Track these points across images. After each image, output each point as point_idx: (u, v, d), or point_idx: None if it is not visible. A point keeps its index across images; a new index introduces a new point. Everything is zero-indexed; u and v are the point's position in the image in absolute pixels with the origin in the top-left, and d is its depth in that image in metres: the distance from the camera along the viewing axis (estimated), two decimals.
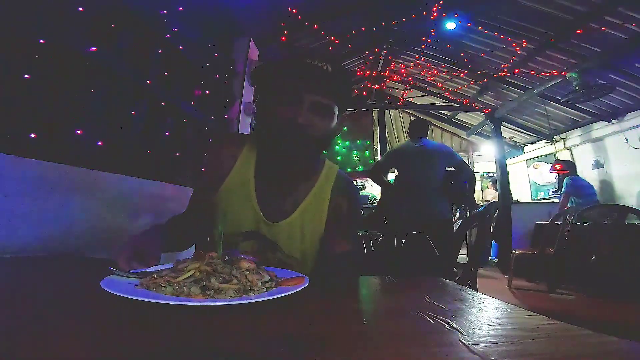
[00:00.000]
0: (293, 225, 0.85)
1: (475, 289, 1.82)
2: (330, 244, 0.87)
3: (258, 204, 0.85)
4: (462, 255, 3.63)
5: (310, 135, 0.77)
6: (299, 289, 0.54)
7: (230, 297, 0.50)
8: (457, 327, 0.42)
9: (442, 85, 5.54)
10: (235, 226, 0.83)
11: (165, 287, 0.51)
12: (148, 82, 1.87)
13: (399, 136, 7.87)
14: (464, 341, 0.37)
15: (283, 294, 0.50)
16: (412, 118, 5.97)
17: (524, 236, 4.63)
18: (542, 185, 6.34)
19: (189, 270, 0.54)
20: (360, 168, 5.36)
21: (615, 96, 4.08)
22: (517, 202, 5.41)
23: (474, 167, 7.53)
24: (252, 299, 0.49)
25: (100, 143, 1.52)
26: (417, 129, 2.84)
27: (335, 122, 0.83)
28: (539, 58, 4.08)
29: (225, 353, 0.34)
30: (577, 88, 3.63)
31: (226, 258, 0.60)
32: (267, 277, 0.58)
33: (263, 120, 0.83)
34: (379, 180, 2.98)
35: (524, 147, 6.66)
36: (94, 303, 0.50)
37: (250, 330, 0.41)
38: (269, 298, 0.49)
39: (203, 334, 0.39)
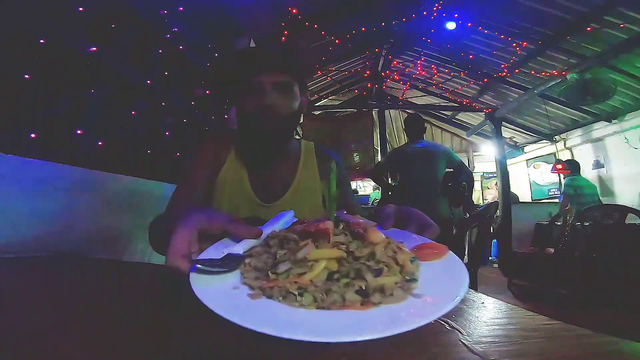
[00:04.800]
0: (290, 204, 0.89)
1: (476, 289, 1.82)
2: (348, 207, 0.88)
3: (253, 191, 0.88)
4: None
5: (279, 114, 0.81)
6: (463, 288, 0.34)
7: (395, 301, 0.33)
8: (457, 327, 0.42)
9: (442, 85, 5.54)
10: (233, 213, 0.86)
11: (302, 296, 0.33)
12: (148, 82, 1.87)
13: (399, 136, 7.86)
14: (464, 341, 0.37)
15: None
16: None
17: (524, 236, 4.62)
18: (543, 185, 6.34)
19: (320, 261, 0.36)
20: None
21: (615, 96, 4.09)
22: (517, 202, 5.41)
23: (474, 167, 7.52)
24: (441, 307, 0.31)
25: (100, 143, 1.52)
26: (413, 127, 2.83)
27: (298, 98, 0.86)
28: (539, 58, 4.08)
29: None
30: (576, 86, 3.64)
31: (340, 226, 0.43)
32: (409, 254, 0.41)
33: (239, 115, 0.88)
34: (380, 180, 2.99)
35: (524, 147, 6.66)
36: (94, 304, 0.50)
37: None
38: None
39: None
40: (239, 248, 0.42)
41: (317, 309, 0.32)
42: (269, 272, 0.37)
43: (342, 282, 0.35)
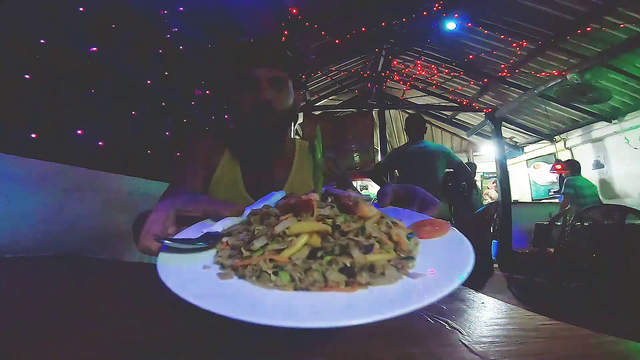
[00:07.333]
0: None
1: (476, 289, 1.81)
2: (340, 181, 0.91)
3: (247, 193, 0.87)
4: None
5: (275, 109, 0.79)
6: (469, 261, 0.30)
7: (391, 279, 0.29)
8: (457, 327, 0.42)
9: (442, 85, 5.54)
10: None
11: (276, 274, 0.29)
12: (148, 82, 1.87)
13: (399, 136, 7.86)
14: (464, 341, 0.37)
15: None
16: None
17: (524, 236, 4.63)
18: (543, 185, 6.34)
19: (300, 236, 0.32)
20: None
21: (615, 96, 4.09)
22: (517, 202, 5.41)
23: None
24: (443, 288, 0.26)
25: (100, 143, 1.52)
26: (414, 127, 2.83)
27: (292, 95, 0.85)
28: (539, 58, 4.08)
29: None
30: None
31: (328, 199, 0.39)
32: (406, 229, 0.38)
33: (234, 112, 0.86)
34: (380, 180, 2.99)
35: (524, 147, 6.66)
36: (94, 304, 0.49)
37: None
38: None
39: None
40: (219, 227, 0.39)
41: (295, 290, 0.28)
42: (242, 249, 0.33)
43: (325, 259, 0.30)
